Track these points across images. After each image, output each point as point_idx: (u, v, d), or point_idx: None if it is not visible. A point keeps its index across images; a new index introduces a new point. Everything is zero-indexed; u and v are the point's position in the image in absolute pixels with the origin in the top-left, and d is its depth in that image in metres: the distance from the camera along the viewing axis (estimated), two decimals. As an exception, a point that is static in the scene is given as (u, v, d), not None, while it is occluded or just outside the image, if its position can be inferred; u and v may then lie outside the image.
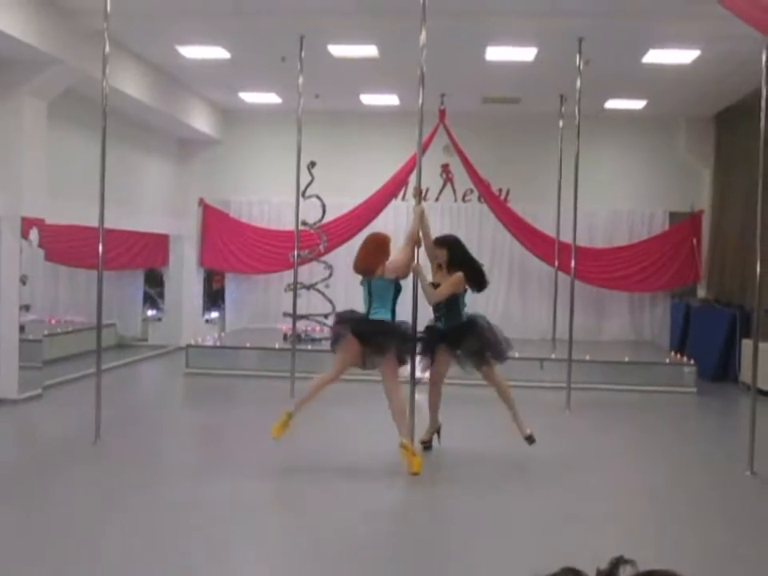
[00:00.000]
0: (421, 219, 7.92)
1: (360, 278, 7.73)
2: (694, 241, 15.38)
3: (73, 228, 12.21)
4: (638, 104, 14.65)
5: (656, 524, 6.50)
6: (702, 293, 15.44)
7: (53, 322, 14.25)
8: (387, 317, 7.57)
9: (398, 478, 7.51)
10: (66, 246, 13.07)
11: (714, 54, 11.14)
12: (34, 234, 10.43)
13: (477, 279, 8.05)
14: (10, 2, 9.12)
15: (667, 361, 12.94)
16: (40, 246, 10.63)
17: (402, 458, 7.41)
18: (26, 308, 10.50)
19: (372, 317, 7.59)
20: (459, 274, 7.86)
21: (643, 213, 15.94)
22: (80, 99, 11.54)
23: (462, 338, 7.94)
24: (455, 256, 8.02)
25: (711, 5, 6.67)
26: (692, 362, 12.57)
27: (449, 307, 7.92)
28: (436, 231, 15.01)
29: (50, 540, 5.68)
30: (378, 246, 7.72)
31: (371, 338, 7.47)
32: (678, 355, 13.27)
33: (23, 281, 10.37)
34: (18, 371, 10.31)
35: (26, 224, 10.31)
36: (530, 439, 8.07)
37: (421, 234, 7.92)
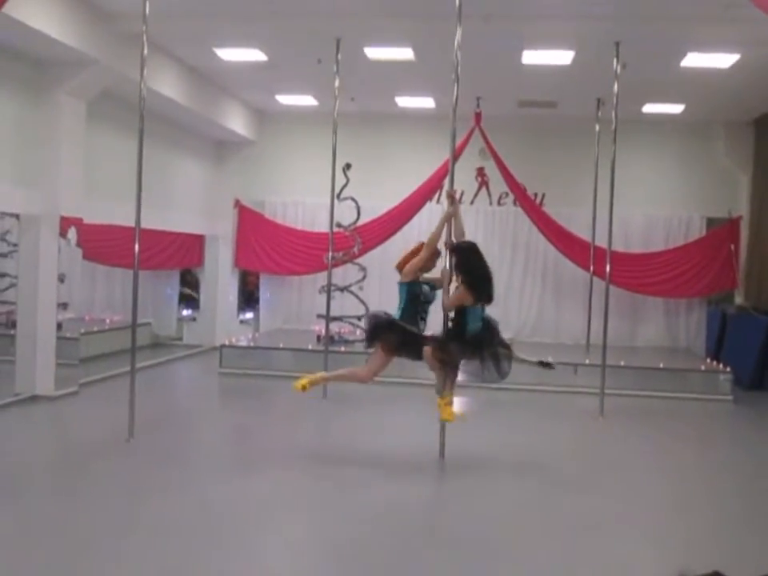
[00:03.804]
0: (449, 221, 7.94)
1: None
2: (732, 247, 15.19)
3: (110, 227, 12.34)
4: (676, 108, 14.51)
5: (684, 532, 6.42)
6: (738, 300, 15.26)
7: (89, 320, 14.42)
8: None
9: (425, 476, 7.53)
10: (103, 245, 13.21)
11: (753, 58, 11.01)
12: (72, 233, 10.57)
13: (480, 289, 7.72)
14: (50, 4, 9.27)
15: (702, 368, 12.78)
16: (78, 244, 10.77)
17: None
18: (63, 306, 10.63)
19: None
20: (463, 286, 7.69)
21: (680, 218, 15.78)
22: (118, 100, 11.67)
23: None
24: (461, 263, 7.84)
25: (750, 8, 6.58)
26: (728, 369, 12.43)
27: (456, 314, 7.85)
28: (470, 234, 15.10)
29: (84, 535, 5.75)
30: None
31: None
32: (714, 362, 13.11)
33: (61, 279, 10.51)
34: (55, 368, 10.47)
35: (65, 223, 10.45)
36: None
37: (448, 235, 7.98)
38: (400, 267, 8.00)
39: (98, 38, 10.25)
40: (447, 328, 7.86)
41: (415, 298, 7.82)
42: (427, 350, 7.65)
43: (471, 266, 7.76)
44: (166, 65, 12.24)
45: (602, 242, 12.41)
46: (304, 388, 8.03)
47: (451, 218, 7.96)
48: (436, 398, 7.87)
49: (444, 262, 7.97)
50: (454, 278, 7.86)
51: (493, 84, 12.93)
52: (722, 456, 9.20)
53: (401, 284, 7.92)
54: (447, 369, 7.81)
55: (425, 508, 6.94)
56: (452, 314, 7.86)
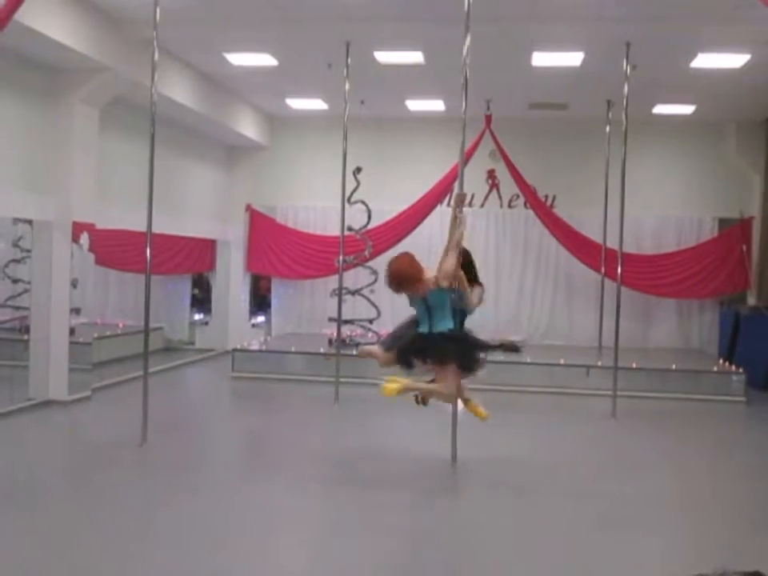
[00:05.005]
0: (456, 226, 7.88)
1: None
2: (744, 247, 15.15)
3: (122, 233, 12.39)
4: (687, 109, 14.47)
5: (695, 535, 6.43)
6: (751, 300, 15.20)
7: (102, 324, 14.47)
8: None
9: (437, 480, 7.55)
10: (115, 250, 13.27)
11: (764, 57, 10.97)
12: (84, 239, 10.63)
13: None
14: (62, 12, 9.33)
15: (715, 369, 12.75)
16: (90, 250, 10.81)
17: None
18: (76, 311, 10.68)
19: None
20: (482, 286, 7.85)
21: (691, 219, 15.73)
22: (130, 106, 11.72)
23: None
24: (472, 267, 7.93)
25: (760, 8, 6.57)
26: (741, 370, 12.39)
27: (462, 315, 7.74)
28: (482, 237, 15.14)
29: (97, 540, 5.78)
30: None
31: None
32: (727, 364, 13.08)
33: (74, 284, 10.55)
34: (68, 373, 10.50)
35: (77, 228, 10.50)
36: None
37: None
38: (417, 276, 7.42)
39: (110, 45, 10.31)
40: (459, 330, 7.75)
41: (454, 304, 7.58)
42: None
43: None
44: (177, 70, 12.29)
45: (613, 243, 12.39)
46: (392, 393, 7.26)
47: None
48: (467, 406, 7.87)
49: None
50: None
51: (503, 86, 12.94)
52: (736, 457, 9.17)
53: (443, 290, 7.36)
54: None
55: (437, 512, 6.93)
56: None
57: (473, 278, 7.89)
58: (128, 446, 8.31)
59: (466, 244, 7.99)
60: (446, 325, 7.35)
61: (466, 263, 7.86)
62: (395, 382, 7.26)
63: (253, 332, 16.72)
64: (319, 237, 16.05)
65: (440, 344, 7.30)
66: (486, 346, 7.87)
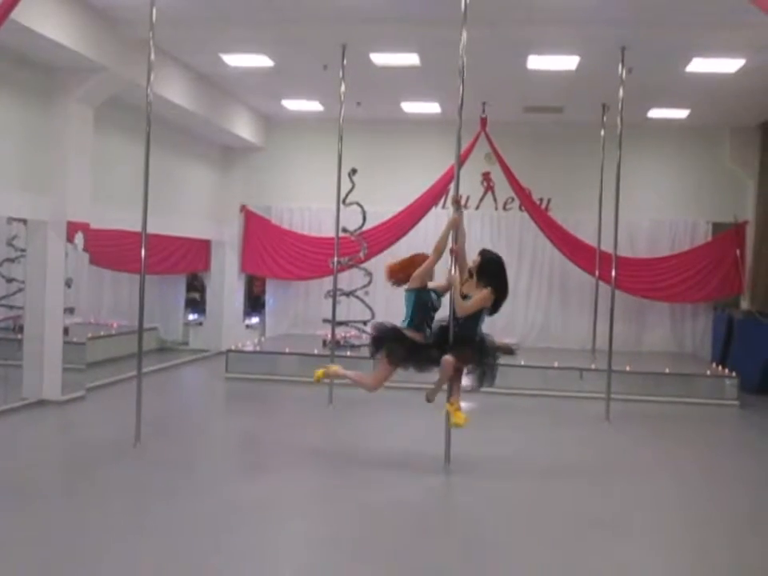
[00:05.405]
0: (455, 227, 7.88)
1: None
2: (738, 252, 15.19)
3: (117, 233, 12.38)
4: (682, 113, 14.51)
5: (687, 537, 6.45)
6: (745, 305, 15.23)
7: (96, 324, 14.45)
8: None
9: (431, 480, 7.56)
10: (110, 250, 13.25)
11: (759, 63, 11.00)
12: (79, 238, 10.62)
13: (499, 299, 7.89)
14: (59, 11, 9.32)
15: (708, 373, 12.77)
16: (85, 249, 10.80)
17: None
18: (70, 311, 10.66)
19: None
20: (489, 290, 7.74)
21: (686, 223, 15.75)
22: (125, 106, 11.72)
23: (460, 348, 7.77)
24: (486, 268, 7.87)
25: (755, 13, 6.59)
26: (734, 374, 12.41)
27: (466, 318, 7.78)
28: (476, 239, 15.18)
29: (91, 540, 5.77)
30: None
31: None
32: (720, 367, 13.10)
33: (68, 284, 10.54)
34: (62, 373, 10.49)
35: (72, 228, 10.50)
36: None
37: (453, 241, 7.90)
38: (394, 276, 8.03)
39: (107, 45, 10.31)
40: (455, 333, 7.78)
41: (423, 305, 7.78)
42: (450, 359, 7.60)
43: (502, 276, 7.88)
44: (173, 71, 12.28)
45: (607, 246, 12.42)
46: (319, 379, 8.48)
47: (457, 223, 7.90)
48: (445, 404, 7.87)
49: (451, 267, 7.93)
50: (472, 283, 7.83)
51: (498, 89, 12.94)
52: (729, 461, 9.19)
53: (408, 291, 7.86)
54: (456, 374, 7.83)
55: (431, 511, 6.94)
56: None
57: (487, 282, 7.82)
58: (122, 446, 8.29)
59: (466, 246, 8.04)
60: (404, 323, 7.87)
61: (490, 270, 7.85)
62: (323, 367, 8.60)
63: (247, 333, 16.70)
64: (314, 238, 16.05)
65: (379, 337, 7.98)
66: (468, 352, 7.85)
